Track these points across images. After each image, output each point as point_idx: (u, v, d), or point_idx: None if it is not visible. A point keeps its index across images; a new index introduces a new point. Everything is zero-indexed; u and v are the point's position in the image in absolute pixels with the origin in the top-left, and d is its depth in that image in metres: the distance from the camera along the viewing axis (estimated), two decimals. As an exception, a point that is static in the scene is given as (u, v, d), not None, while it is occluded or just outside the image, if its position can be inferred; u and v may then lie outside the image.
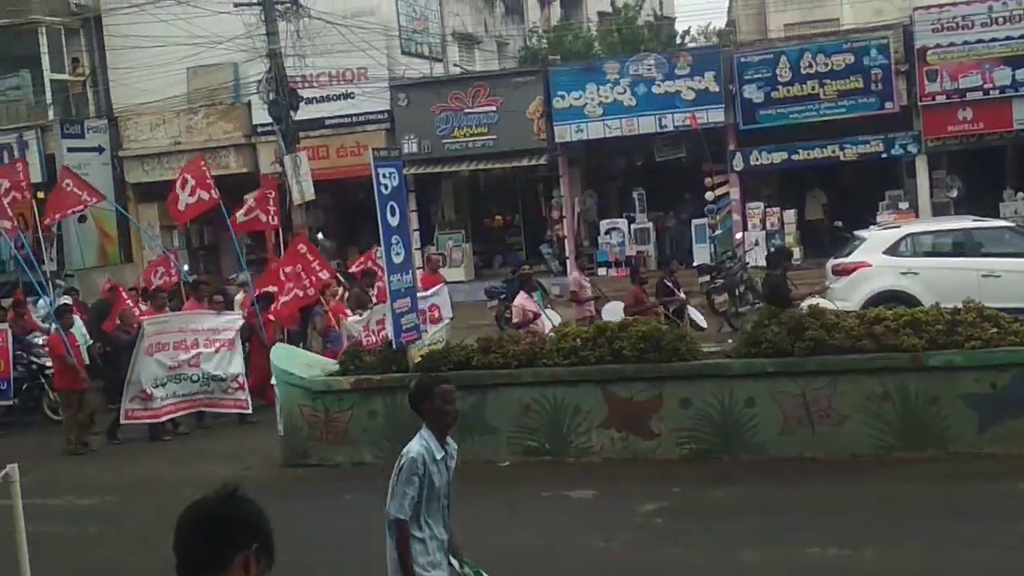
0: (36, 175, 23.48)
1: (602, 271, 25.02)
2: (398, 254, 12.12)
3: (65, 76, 28.26)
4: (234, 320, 15.60)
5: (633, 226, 26.18)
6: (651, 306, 15.68)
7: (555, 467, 10.95)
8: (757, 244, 24.09)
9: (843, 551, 8.14)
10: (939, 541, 8.17)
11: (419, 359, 12.00)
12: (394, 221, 12.07)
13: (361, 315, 15.16)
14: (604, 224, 26.32)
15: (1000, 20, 22.88)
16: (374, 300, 15.62)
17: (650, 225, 26.36)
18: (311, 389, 12.31)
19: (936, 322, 10.49)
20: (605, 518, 9.39)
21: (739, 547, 8.40)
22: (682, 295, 16.86)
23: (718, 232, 24.64)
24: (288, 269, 16.83)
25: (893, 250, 16.67)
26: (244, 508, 2.77)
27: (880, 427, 10.37)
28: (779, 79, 23.85)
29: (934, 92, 23.21)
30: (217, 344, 14.99)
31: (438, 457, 5.46)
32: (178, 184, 18.16)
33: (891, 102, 23.42)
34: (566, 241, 26.08)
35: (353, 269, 19.26)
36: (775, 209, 25.11)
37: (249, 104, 26.90)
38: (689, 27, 49.28)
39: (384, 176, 11.94)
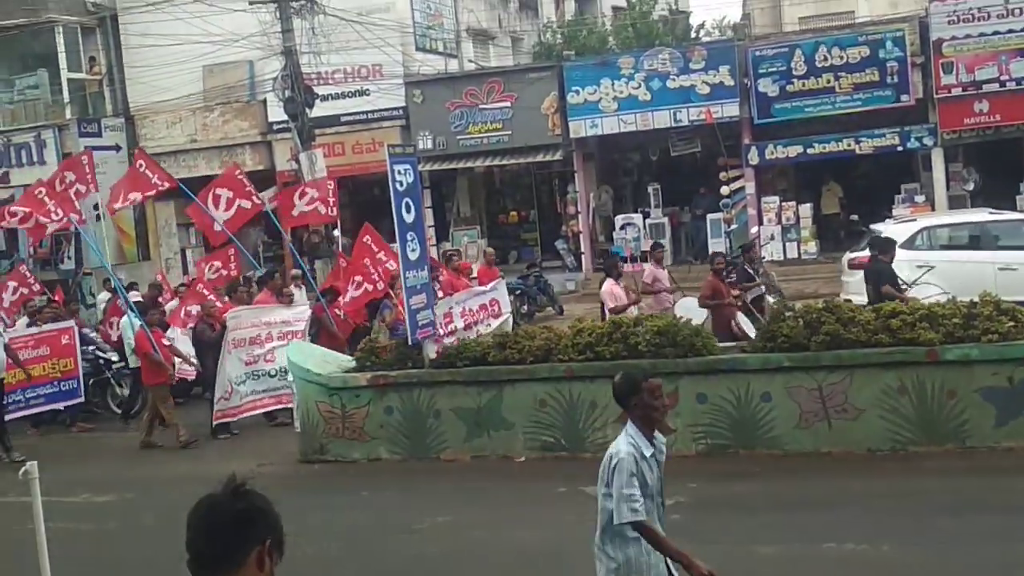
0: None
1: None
2: (413, 251, 12.16)
3: (82, 75, 28.39)
4: (303, 312, 15.67)
5: (648, 221, 26.10)
6: (729, 300, 14.22)
7: (571, 463, 10.94)
8: (773, 238, 24.04)
9: (860, 546, 8.13)
10: (956, 536, 8.15)
11: (435, 355, 12.05)
12: (409, 217, 12.11)
13: None
14: (619, 219, 26.26)
15: (1016, 11, 22.70)
16: (439, 294, 14.94)
17: (665, 220, 26.25)
18: (328, 385, 12.36)
19: (953, 316, 10.46)
20: (621, 513, 9.38)
21: (756, 542, 8.40)
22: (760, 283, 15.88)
23: (733, 227, 24.55)
24: (366, 261, 16.18)
25: (909, 244, 16.59)
26: (255, 503, 2.73)
27: (896, 421, 10.35)
28: (794, 72, 23.75)
29: (950, 84, 23.07)
30: (290, 336, 15.03)
31: (647, 454, 5.26)
32: (210, 201, 16.60)
33: (907, 95, 23.29)
34: (581, 237, 26.07)
35: None
36: (791, 203, 24.99)
37: (265, 102, 26.96)
38: (704, 21, 49.18)
39: (399, 172, 11.98)
